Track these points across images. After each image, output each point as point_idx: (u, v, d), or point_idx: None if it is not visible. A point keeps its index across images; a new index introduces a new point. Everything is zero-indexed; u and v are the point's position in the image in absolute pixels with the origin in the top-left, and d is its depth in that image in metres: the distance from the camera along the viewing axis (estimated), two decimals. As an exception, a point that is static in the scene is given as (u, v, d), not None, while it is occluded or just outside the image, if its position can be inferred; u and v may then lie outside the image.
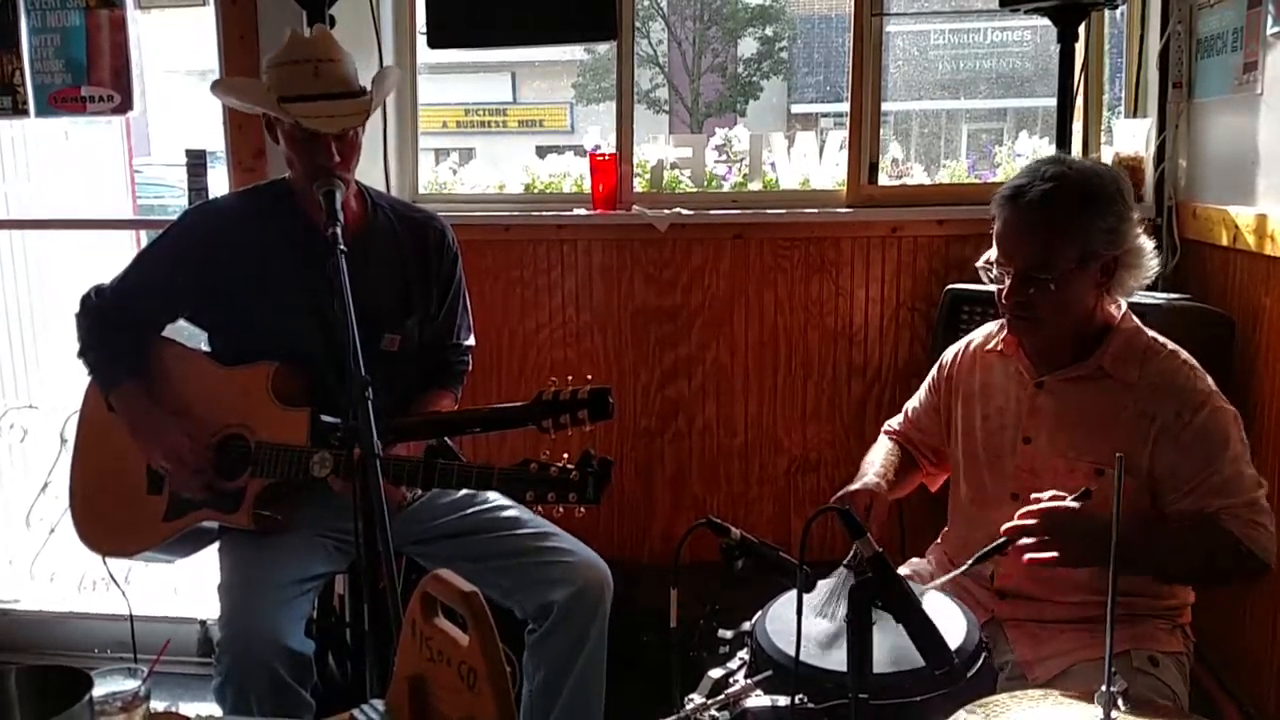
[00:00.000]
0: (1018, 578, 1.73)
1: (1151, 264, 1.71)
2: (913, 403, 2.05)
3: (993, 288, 1.73)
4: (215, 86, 2.14)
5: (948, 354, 1.98)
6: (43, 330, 3.51)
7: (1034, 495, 1.59)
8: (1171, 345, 1.73)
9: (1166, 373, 1.68)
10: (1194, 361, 1.71)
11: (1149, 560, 1.60)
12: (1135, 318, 1.76)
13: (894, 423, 2.09)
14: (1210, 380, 1.70)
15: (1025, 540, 1.56)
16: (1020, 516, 1.57)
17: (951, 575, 1.63)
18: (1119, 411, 1.68)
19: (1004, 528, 1.58)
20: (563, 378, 1.83)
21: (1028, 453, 1.76)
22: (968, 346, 1.94)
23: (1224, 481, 1.62)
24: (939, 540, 1.97)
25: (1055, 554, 1.54)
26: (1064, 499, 1.57)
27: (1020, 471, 1.76)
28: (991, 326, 1.90)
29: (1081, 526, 1.53)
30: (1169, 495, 1.65)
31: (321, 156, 1.93)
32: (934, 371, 2.01)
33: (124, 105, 2.94)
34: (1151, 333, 1.75)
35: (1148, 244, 1.70)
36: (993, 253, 1.71)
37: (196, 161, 2.96)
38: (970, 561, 1.59)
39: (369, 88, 2.00)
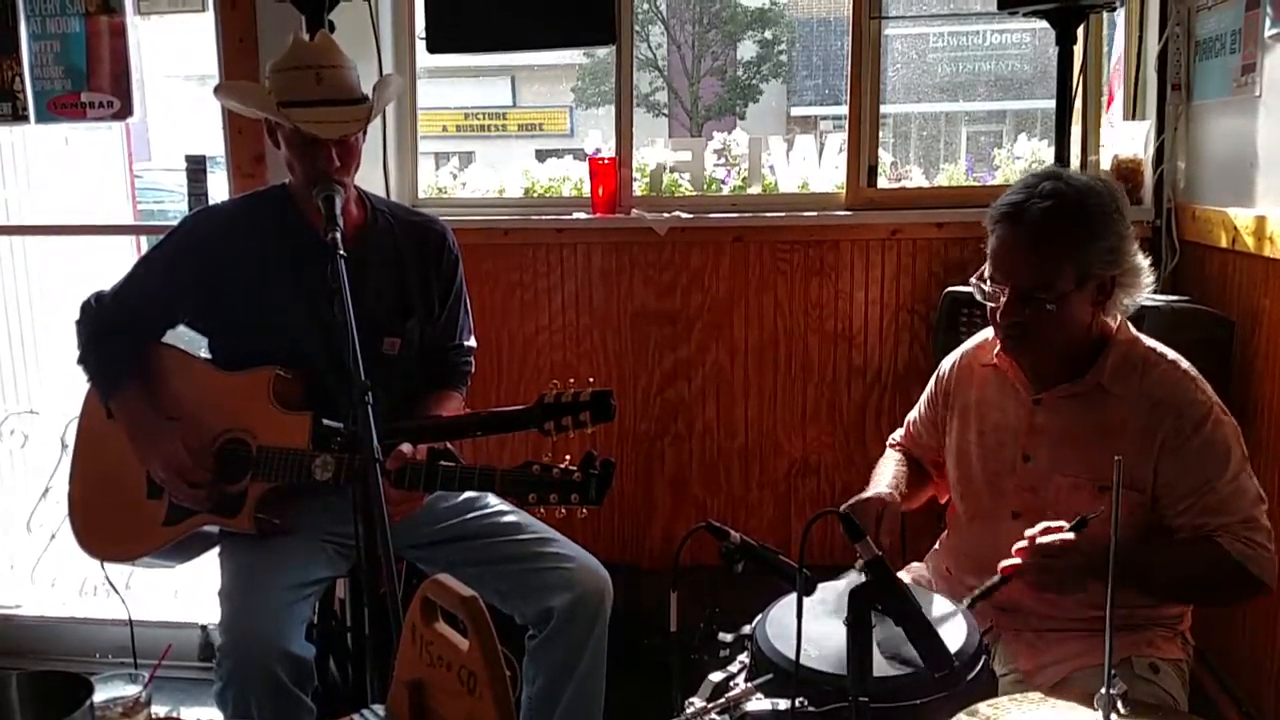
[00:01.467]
0: (1017, 594, 1.70)
1: (1147, 282, 1.67)
2: (913, 415, 2.02)
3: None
4: (218, 90, 2.15)
5: (945, 363, 1.94)
6: (43, 335, 3.51)
7: (1027, 533, 1.57)
8: (1171, 355, 1.69)
9: (1166, 384, 1.64)
10: (1194, 371, 1.67)
11: (1144, 580, 1.58)
12: (1132, 327, 1.73)
13: (897, 436, 2.06)
14: (1210, 390, 1.66)
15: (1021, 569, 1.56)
16: (1015, 553, 1.56)
17: (954, 611, 1.60)
18: (1119, 427, 1.64)
19: (1001, 565, 1.57)
20: (564, 380, 1.84)
21: (1028, 471, 1.73)
22: (964, 356, 1.90)
23: (1221, 500, 1.59)
24: (936, 547, 1.95)
25: (1048, 579, 1.55)
26: (1061, 528, 1.54)
27: (1021, 490, 1.72)
28: (989, 333, 1.83)
29: (1075, 559, 1.52)
30: (1167, 511, 1.63)
31: (321, 162, 1.93)
32: (932, 383, 1.96)
33: (124, 111, 2.95)
34: (1149, 342, 1.71)
35: (1144, 262, 1.66)
36: (986, 268, 1.66)
37: (196, 167, 2.97)
38: (968, 601, 1.58)
39: (370, 95, 2.00)
